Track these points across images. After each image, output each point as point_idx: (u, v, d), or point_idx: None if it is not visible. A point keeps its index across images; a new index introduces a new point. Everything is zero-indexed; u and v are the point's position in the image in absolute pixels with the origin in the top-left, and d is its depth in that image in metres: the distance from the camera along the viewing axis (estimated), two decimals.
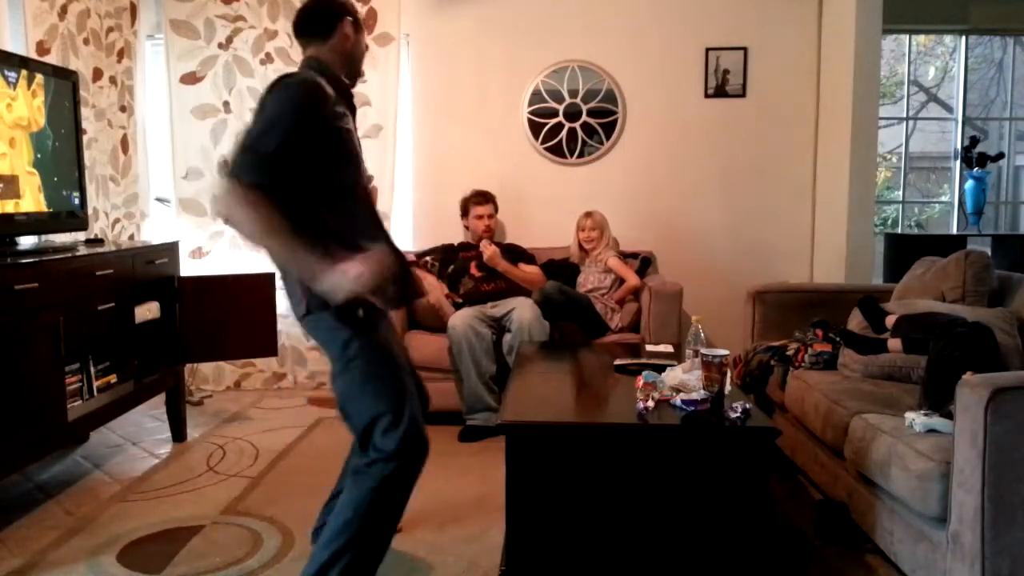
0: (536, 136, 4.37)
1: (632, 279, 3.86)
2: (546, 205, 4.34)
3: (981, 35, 5.42)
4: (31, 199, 2.85)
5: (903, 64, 5.96)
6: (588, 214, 3.99)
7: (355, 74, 2.04)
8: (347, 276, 1.68)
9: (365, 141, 2.22)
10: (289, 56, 4.15)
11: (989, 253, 3.34)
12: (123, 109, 4.11)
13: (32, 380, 2.49)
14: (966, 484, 1.79)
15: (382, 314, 1.95)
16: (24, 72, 2.80)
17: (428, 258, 3.94)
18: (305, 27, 2.00)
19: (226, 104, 4.22)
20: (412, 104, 4.38)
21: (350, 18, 1.98)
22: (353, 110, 2.01)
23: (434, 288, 3.79)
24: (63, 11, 3.56)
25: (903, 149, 5.67)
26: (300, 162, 1.76)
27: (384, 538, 1.89)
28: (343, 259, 1.70)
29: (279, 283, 2.62)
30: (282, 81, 1.81)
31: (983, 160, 4.41)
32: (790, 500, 2.76)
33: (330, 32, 1.96)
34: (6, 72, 2.71)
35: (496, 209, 4.04)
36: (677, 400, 2.07)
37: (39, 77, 2.89)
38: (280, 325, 3.62)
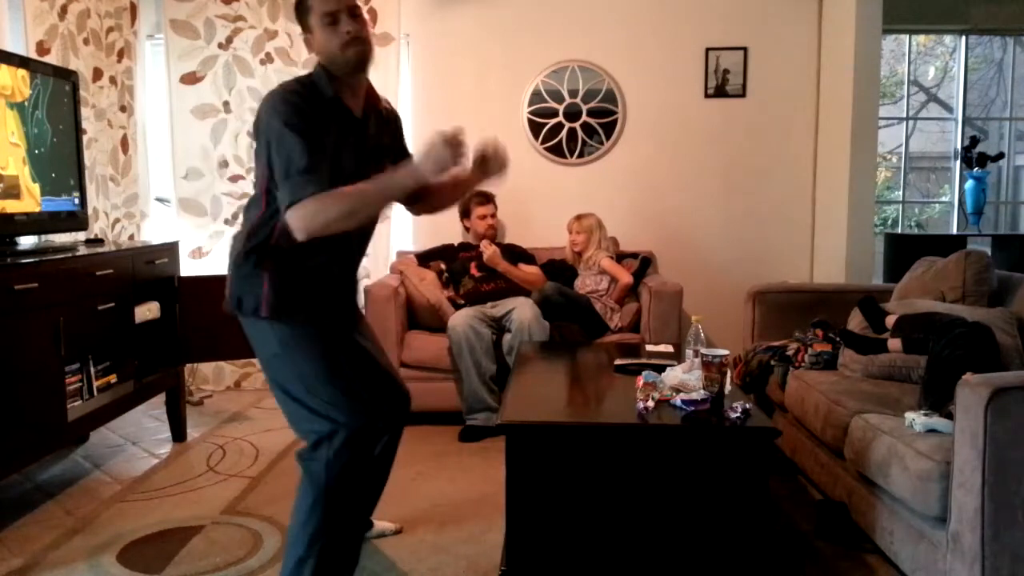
0: (536, 136, 4.37)
1: (624, 278, 3.86)
2: (546, 205, 4.34)
3: (981, 35, 5.40)
4: (14, 169, 2.73)
5: (903, 64, 5.96)
6: (578, 218, 3.99)
7: (344, 69, 1.86)
8: (413, 168, 1.77)
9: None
10: (289, 56, 4.15)
11: (989, 253, 3.34)
12: (123, 109, 4.11)
13: (32, 380, 2.49)
14: (966, 484, 1.79)
15: (329, 316, 1.96)
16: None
17: (442, 266, 3.92)
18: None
19: (226, 104, 4.22)
20: (412, 104, 4.38)
21: (312, 10, 1.83)
22: (350, 122, 1.92)
23: (434, 288, 3.79)
24: (63, 11, 3.55)
25: (903, 149, 5.67)
26: (326, 150, 1.78)
27: (356, 518, 1.92)
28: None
29: None
30: (270, 99, 1.82)
31: (983, 160, 4.41)
32: (790, 500, 2.76)
33: (305, 29, 1.89)
34: None
35: (496, 209, 4.04)
36: (677, 400, 2.07)
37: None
38: None
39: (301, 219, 1.73)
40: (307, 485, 1.87)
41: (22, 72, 2.80)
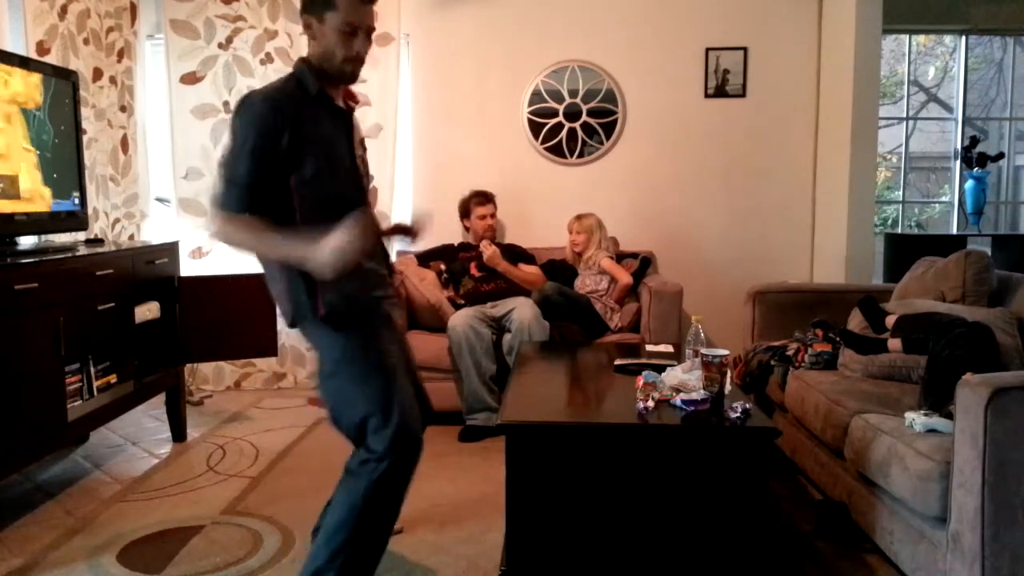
0: (536, 136, 4.37)
1: (623, 278, 3.86)
2: (546, 205, 4.34)
3: (981, 35, 5.40)
4: (27, 177, 2.78)
5: (903, 64, 5.96)
6: (578, 217, 3.99)
7: (333, 75, 1.87)
8: (329, 248, 1.67)
9: (366, 141, 2.19)
10: (289, 56, 4.14)
11: (989, 253, 3.34)
12: (123, 109, 4.11)
13: (32, 380, 2.49)
14: (966, 484, 1.79)
15: (379, 317, 1.95)
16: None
17: (441, 267, 3.92)
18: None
19: (226, 104, 4.22)
20: (412, 104, 4.38)
21: (336, 12, 1.81)
22: (338, 112, 1.93)
23: (434, 288, 3.79)
24: (63, 11, 3.55)
25: (903, 149, 5.67)
26: (275, 176, 1.79)
27: (381, 538, 1.89)
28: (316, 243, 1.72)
29: None
30: (245, 100, 1.83)
31: (983, 160, 4.41)
32: (790, 500, 2.76)
33: (316, 18, 1.86)
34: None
35: (496, 209, 4.04)
36: (677, 400, 2.07)
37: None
38: (280, 325, 3.61)
39: (222, 229, 1.79)
40: (344, 497, 1.84)
41: (35, 78, 2.83)
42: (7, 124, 2.50)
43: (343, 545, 1.81)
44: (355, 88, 2.05)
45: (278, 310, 1.94)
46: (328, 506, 2.24)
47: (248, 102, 1.82)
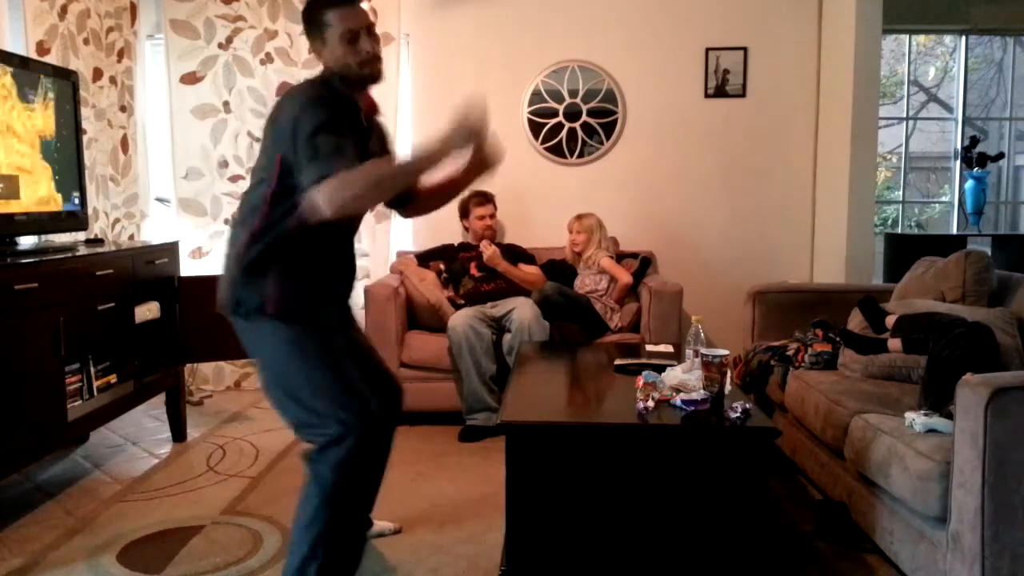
0: (536, 136, 4.37)
1: (623, 278, 3.86)
2: (546, 205, 4.34)
3: (981, 35, 5.40)
4: (45, 186, 2.96)
5: (903, 64, 5.96)
6: (578, 217, 3.99)
7: (357, 81, 1.92)
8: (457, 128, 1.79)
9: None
10: (289, 56, 4.14)
11: (989, 253, 3.34)
12: (123, 109, 4.11)
13: (32, 380, 2.49)
14: (966, 484, 1.79)
15: (332, 314, 1.98)
16: (42, 90, 2.91)
17: (440, 267, 3.92)
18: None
19: (226, 104, 4.22)
20: (412, 104, 4.38)
21: (331, 27, 1.86)
22: (361, 130, 1.95)
23: (434, 288, 3.79)
24: (63, 11, 3.55)
25: (903, 149, 5.67)
26: (339, 149, 1.78)
27: (359, 519, 1.92)
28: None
29: None
30: (294, 91, 1.86)
31: (983, 160, 4.41)
32: (790, 500, 2.76)
33: (316, 41, 1.91)
34: (27, 91, 2.82)
35: (496, 209, 4.04)
36: (677, 400, 2.07)
37: (45, 81, 2.94)
38: None
39: (327, 195, 1.70)
40: (313, 487, 1.86)
41: (50, 111, 2.96)
42: (32, 149, 2.84)
43: (323, 533, 1.84)
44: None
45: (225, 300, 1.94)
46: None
47: (300, 93, 1.84)
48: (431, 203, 2.18)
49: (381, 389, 2.10)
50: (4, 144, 2.68)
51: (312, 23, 1.90)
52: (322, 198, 1.71)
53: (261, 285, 1.87)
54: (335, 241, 1.98)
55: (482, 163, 2.00)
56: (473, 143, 1.85)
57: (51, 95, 2.97)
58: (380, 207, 2.25)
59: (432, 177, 1.99)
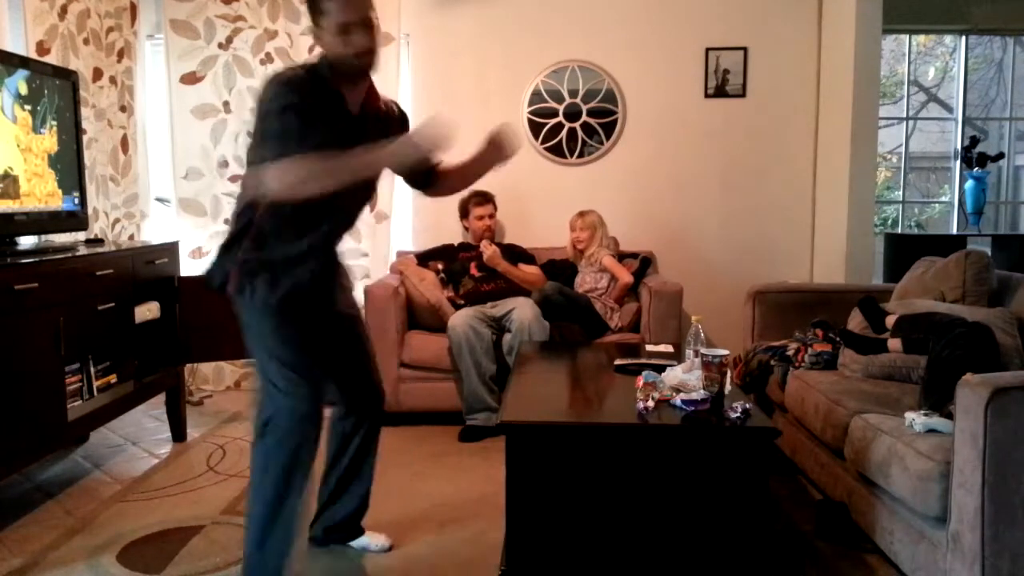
0: (536, 136, 4.37)
1: (624, 277, 3.86)
2: (546, 205, 4.34)
3: (981, 35, 5.41)
4: (50, 186, 3.03)
5: (903, 64, 5.96)
6: (581, 214, 3.99)
7: (347, 72, 1.91)
8: (412, 140, 1.83)
9: None
10: (289, 56, 4.14)
11: (989, 253, 3.33)
12: (123, 109, 4.11)
13: (32, 380, 2.49)
14: (966, 484, 1.79)
15: (306, 295, 2.01)
16: (52, 124, 2.99)
17: (440, 267, 3.92)
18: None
19: (226, 104, 4.22)
20: (412, 104, 4.38)
21: (328, 14, 1.86)
22: (345, 120, 1.95)
23: (434, 288, 3.79)
24: (63, 11, 3.55)
25: (903, 149, 5.67)
26: (302, 135, 1.82)
27: (288, 503, 1.97)
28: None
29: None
30: (273, 77, 1.88)
31: (983, 160, 4.41)
32: (790, 500, 2.76)
33: (315, 23, 1.92)
34: (39, 124, 2.92)
35: (496, 209, 4.04)
36: (677, 400, 2.07)
37: (49, 103, 2.99)
38: None
39: (274, 175, 1.78)
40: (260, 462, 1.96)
41: (53, 135, 3.02)
42: (43, 162, 2.97)
43: (274, 504, 1.93)
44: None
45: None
46: (321, 489, 2.32)
47: (277, 80, 1.87)
48: (450, 186, 2.26)
49: (357, 387, 2.21)
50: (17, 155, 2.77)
51: (313, 6, 1.91)
52: (269, 177, 1.79)
53: (231, 261, 1.97)
54: (306, 226, 1.97)
55: (500, 151, 2.07)
56: (427, 158, 1.94)
57: (52, 123, 3.04)
58: (411, 190, 2.34)
59: (451, 161, 2.06)
